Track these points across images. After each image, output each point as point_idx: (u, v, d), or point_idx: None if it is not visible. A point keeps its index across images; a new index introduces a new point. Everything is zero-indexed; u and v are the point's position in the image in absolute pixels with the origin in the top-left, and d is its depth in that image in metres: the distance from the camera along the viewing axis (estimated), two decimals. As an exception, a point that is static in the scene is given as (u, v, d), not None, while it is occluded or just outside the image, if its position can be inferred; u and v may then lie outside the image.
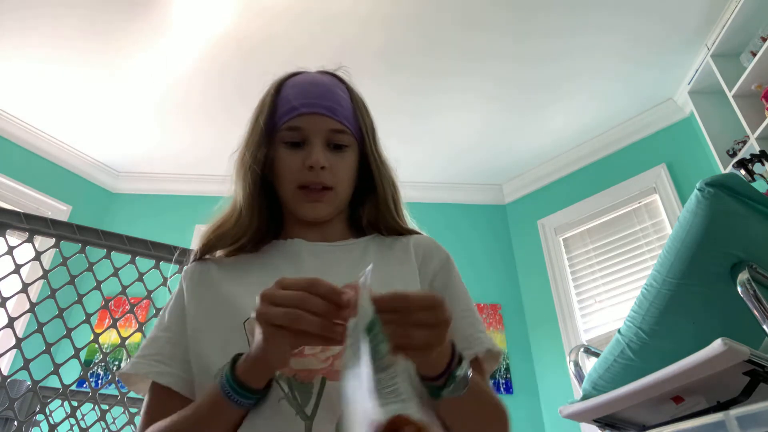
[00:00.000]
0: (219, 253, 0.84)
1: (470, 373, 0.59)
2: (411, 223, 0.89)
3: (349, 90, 0.88)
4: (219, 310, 0.73)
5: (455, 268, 0.84)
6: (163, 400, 0.70)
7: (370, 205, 0.88)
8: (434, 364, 0.57)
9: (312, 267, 0.78)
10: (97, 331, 1.39)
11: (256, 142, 0.81)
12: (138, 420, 1.46)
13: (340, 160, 0.81)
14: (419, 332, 0.51)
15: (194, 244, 0.85)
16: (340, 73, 0.90)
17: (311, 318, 0.51)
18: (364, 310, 0.49)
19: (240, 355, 0.60)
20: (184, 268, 0.84)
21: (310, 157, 0.78)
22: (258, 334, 0.54)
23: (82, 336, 1.41)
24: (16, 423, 1.37)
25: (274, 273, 0.77)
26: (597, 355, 1.55)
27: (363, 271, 0.54)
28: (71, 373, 1.54)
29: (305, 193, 0.79)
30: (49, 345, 1.32)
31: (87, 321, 1.39)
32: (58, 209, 3.65)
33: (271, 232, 0.86)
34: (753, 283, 1.07)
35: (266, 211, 0.84)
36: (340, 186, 0.81)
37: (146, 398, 0.73)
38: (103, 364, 3.13)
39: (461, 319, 0.75)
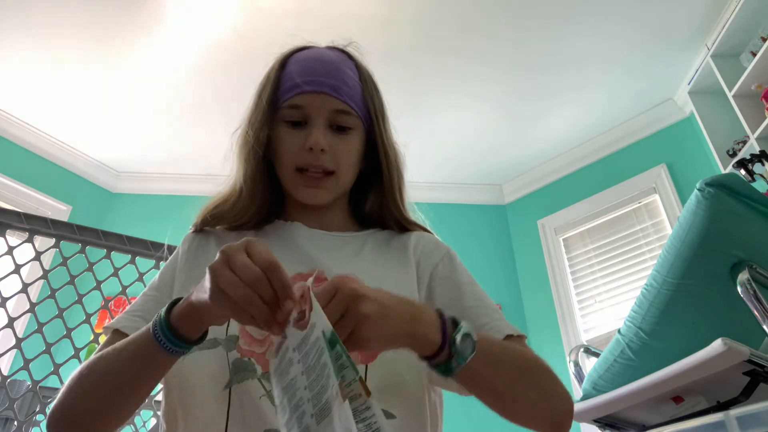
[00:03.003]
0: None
1: (473, 333, 0.55)
2: (414, 215, 0.86)
3: (359, 68, 0.82)
4: None
5: (458, 261, 0.81)
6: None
7: (375, 196, 0.85)
8: (426, 339, 0.53)
9: (306, 254, 0.75)
10: (97, 331, 1.39)
11: (259, 120, 0.77)
12: (138, 420, 1.46)
13: (343, 142, 0.77)
14: (341, 324, 0.48)
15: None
16: (350, 49, 0.85)
17: (260, 306, 0.48)
18: (318, 329, 0.46)
19: (180, 299, 0.58)
20: (186, 234, 0.83)
21: (310, 138, 0.74)
22: (207, 286, 0.51)
23: (82, 336, 1.41)
24: (16, 423, 1.37)
25: None
26: (597, 355, 1.55)
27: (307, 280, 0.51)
28: (71, 373, 1.54)
29: (304, 177, 0.76)
30: (49, 345, 1.33)
31: (87, 321, 1.39)
32: (58, 209, 3.65)
33: (274, 212, 0.84)
34: (753, 283, 1.07)
35: (268, 193, 0.81)
36: (341, 170, 0.77)
37: (106, 339, 0.72)
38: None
39: (471, 309, 0.72)
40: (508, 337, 0.69)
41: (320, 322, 0.46)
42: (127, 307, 0.75)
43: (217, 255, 0.50)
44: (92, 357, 0.64)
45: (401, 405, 0.64)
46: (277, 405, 0.49)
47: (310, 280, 0.51)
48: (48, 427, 0.63)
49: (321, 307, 0.47)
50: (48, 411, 0.63)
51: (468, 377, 0.57)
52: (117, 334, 0.70)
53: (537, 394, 0.63)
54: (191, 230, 0.83)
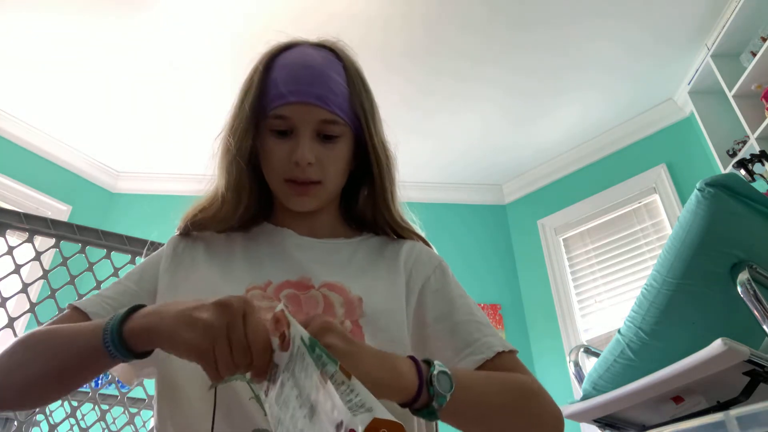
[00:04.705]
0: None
1: (444, 368, 0.55)
2: (407, 219, 0.85)
3: (346, 69, 0.79)
4: (188, 296, 0.71)
5: (450, 273, 0.80)
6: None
7: (366, 198, 0.84)
8: (402, 383, 0.52)
9: (295, 263, 0.75)
10: (97, 331, 1.38)
11: (242, 129, 0.75)
12: (138, 420, 1.46)
13: (330, 151, 0.75)
14: None
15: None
16: (338, 47, 0.82)
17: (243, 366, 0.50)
18: (298, 339, 0.48)
19: (140, 307, 0.57)
20: (172, 236, 0.83)
21: (296, 152, 0.72)
22: (180, 322, 0.51)
23: (82, 336, 1.41)
24: (16, 423, 1.37)
25: (257, 266, 0.76)
26: (597, 355, 1.55)
27: (280, 305, 0.53)
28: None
29: (291, 186, 0.75)
30: (49, 345, 1.32)
31: (87, 321, 1.39)
32: (58, 209, 3.65)
33: (262, 214, 0.84)
34: (753, 283, 1.07)
35: (254, 197, 0.81)
36: (328, 179, 0.76)
37: (63, 313, 0.71)
38: (103, 364, 3.11)
39: (463, 323, 0.72)
40: (499, 354, 0.69)
41: (297, 332, 0.48)
42: (100, 291, 0.74)
43: (215, 314, 0.50)
44: (43, 329, 0.64)
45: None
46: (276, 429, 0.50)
47: (282, 304, 0.52)
48: None
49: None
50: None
51: (453, 415, 0.56)
52: (79, 313, 0.70)
53: (527, 420, 0.62)
54: (177, 233, 0.83)
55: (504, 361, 0.69)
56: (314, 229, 0.82)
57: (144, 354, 0.57)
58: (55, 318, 0.71)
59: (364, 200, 0.85)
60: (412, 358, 0.55)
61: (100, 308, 0.70)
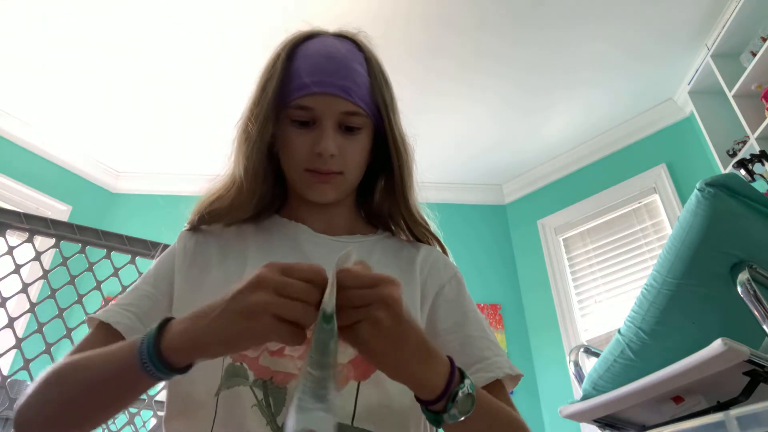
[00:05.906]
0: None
1: (473, 391, 0.54)
2: (423, 215, 0.85)
3: (368, 61, 0.79)
4: (207, 299, 0.70)
5: (464, 285, 0.80)
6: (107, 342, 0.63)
7: (384, 190, 0.83)
8: (429, 383, 0.52)
9: (308, 261, 0.74)
10: (97, 331, 1.38)
11: (264, 116, 0.74)
12: (138, 420, 1.46)
13: (352, 143, 0.75)
14: (355, 312, 0.48)
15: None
16: (359, 38, 0.81)
17: (312, 313, 0.48)
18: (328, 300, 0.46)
19: (171, 319, 0.54)
20: (182, 231, 0.81)
21: (319, 144, 0.71)
22: (228, 318, 0.48)
23: (82, 336, 1.41)
24: (16, 423, 1.37)
25: (270, 260, 0.75)
26: (597, 355, 1.55)
27: (344, 254, 0.50)
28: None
29: (313, 175, 0.74)
30: (49, 345, 1.33)
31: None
32: (58, 209, 3.65)
33: (274, 206, 0.83)
34: (753, 283, 1.07)
35: (269, 187, 0.79)
36: (349, 171, 0.76)
37: (89, 333, 0.69)
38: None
39: (476, 339, 0.71)
40: (506, 376, 0.69)
41: (329, 301, 0.47)
42: (118, 299, 0.72)
43: (259, 290, 0.47)
44: (69, 360, 0.60)
45: (392, 427, 0.63)
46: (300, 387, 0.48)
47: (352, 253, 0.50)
48: (15, 427, 0.59)
49: (348, 287, 0.48)
50: (15, 409, 0.59)
51: (456, 428, 0.55)
52: (103, 327, 0.68)
53: None
54: (187, 227, 0.81)
55: (506, 385, 0.70)
56: (330, 224, 0.80)
57: (187, 368, 0.54)
58: (81, 342, 0.68)
59: (381, 193, 0.84)
60: (451, 361, 0.54)
61: (124, 317, 0.68)
